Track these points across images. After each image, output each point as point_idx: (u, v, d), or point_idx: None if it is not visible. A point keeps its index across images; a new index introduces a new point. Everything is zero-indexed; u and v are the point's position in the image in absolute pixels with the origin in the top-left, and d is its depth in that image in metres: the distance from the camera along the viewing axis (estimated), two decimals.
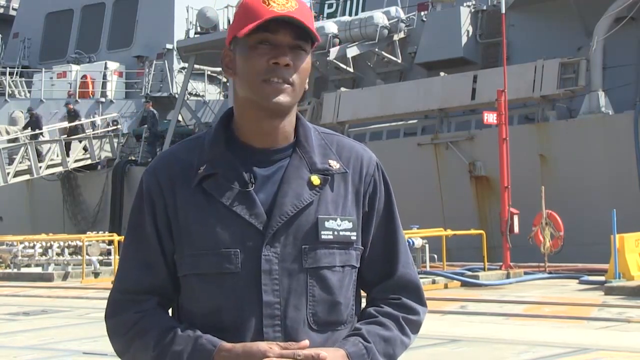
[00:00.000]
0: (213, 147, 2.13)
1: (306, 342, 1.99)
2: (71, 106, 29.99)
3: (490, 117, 18.09)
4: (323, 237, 2.09)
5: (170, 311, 2.19)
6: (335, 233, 2.10)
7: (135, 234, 2.14)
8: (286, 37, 2.06)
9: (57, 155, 28.61)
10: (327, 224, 2.09)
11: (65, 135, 29.50)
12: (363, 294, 2.27)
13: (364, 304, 2.25)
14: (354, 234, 2.13)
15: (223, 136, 2.15)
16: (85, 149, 29.81)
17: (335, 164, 2.14)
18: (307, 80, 2.16)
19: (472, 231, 18.95)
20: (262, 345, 1.97)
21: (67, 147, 29.01)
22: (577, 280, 16.31)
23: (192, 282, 2.09)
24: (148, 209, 2.12)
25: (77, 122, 29.61)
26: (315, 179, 2.10)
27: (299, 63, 2.08)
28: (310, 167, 2.12)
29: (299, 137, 2.15)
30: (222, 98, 32.97)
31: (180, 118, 30.42)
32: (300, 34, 2.07)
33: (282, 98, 2.06)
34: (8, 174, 27.04)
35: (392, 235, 2.22)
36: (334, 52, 24.95)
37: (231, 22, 2.18)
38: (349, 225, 2.12)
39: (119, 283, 2.14)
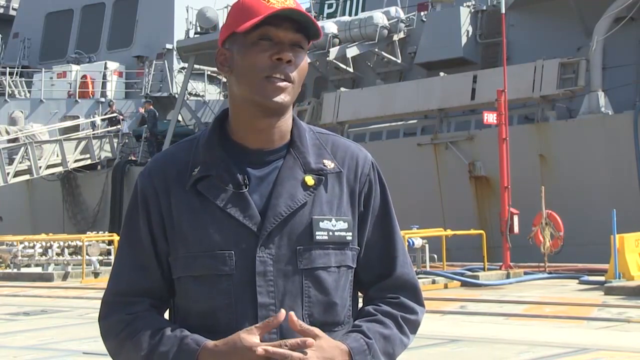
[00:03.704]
0: (207, 148, 2.12)
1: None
2: None
3: (490, 117, 18.08)
4: (318, 237, 2.07)
5: (167, 312, 2.19)
6: (330, 233, 2.08)
7: (129, 236, 2.15)
8: (287, 32, 2.05)
9: (57, 156, 28.60)
10: (321, 225, 2.08)
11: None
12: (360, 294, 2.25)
13: (360, 305, 2.23)
14: (350, 234, 2.12)
15: (218, 137, 2.14)
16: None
17: (329, 164, 2.13)
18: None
19: (472, 231, 18.94)
20: (245, 338, 1.94)
21: None
22: (577, 280, 16.29)
23: (187, 283, 2.09)
24: (142, 211, 2.12)
25: None
26: (309, 180, 2.09)
27: (299, 61, 2.08)
28: (304, 168, 2.10)
29: (293, 138, 2.14)
30: (222, 98, 32.93)
31: (180, 118, 30.40)
32: (300, 30, 2.06)
33: (283, 97, 2.05)
34: (8, 174, 27.01)
35: (389, 235, 2.19)
36: (333, 52, 24.95)
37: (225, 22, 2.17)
38: (344, 225, 2.10)
39: (112, 285, 2.15)
